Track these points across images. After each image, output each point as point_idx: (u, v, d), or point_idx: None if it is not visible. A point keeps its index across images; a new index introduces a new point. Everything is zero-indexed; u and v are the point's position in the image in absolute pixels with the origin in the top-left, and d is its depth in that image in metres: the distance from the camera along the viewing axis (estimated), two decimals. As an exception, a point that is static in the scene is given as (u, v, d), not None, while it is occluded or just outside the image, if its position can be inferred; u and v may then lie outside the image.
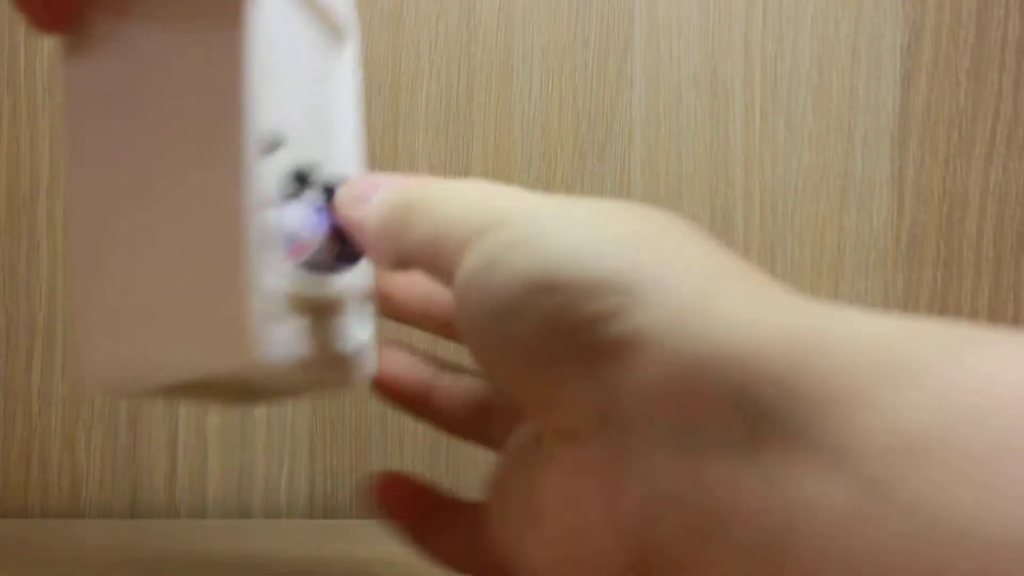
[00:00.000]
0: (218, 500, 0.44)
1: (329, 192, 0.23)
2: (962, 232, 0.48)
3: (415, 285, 0.26)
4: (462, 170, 0.45)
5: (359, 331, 0.26)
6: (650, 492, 0.16)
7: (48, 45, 0.44)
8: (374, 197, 0.21)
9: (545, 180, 0.46)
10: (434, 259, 0.19)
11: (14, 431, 0.43)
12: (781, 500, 0.14)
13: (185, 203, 0.21)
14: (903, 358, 0.14)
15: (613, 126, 0.46)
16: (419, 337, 0.27)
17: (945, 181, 0.48)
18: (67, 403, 0.44)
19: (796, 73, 0.47)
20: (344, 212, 0.22)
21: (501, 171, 0.45)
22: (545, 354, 0.17)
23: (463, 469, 0.44)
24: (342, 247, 0.23)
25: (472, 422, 0.26)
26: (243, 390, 0.24)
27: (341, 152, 0.26)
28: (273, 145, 0.22)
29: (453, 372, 0.26)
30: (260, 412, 0.44)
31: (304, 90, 0.24)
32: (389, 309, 0.26)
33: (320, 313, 0.24)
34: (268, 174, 0.21)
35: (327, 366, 0.24)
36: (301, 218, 0.22)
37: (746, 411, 0.15)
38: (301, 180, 0.23)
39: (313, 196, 0.23)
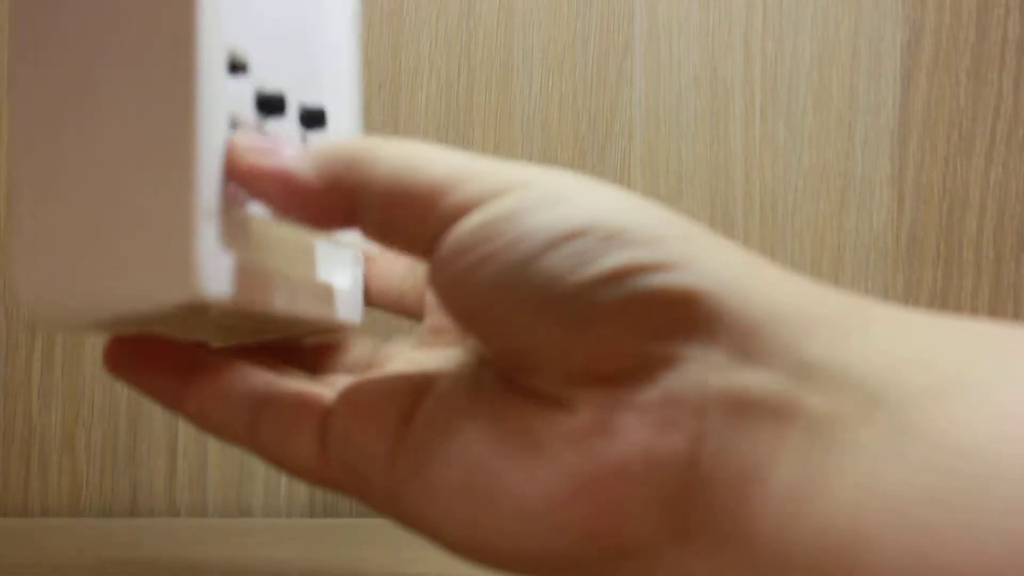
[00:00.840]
0: (218, 499, 0.44)
1: (308, 118, 0.22)
2: (962, 232, 0.48)
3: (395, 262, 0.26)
4: (462, 170, 0.45)
5: (335, 274, 0.24)
6: (703, 430, 0.16)
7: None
8: (287, 151, 0.20)
9: (545, 180, 0.46)
10: (407, 214, 0.18)
11: (14, 431, 0.43)
12: (824, 442, 0.15)
13: (131, 121, 0.19)
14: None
15: (613, 126, 0.46)
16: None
17: (945, 180, 0.48)
18: (67, 403, 0.44)
19: (796, 73, 0.47)
20: (251, 160, 0.19)
21: (501, 171, 0.45)
22: (589, 299, 0.17)
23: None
24: None
25: None
26: (212, 325, 0.22)
27: (332, 97, 0.25)
28: (235, 65, 0.20)
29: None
30: (260, 412, 0.44)
31: (287, 20, 0.23)
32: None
33: (280, 251, 0.22)
34: (226, 95, 0.20)
35: (294, 306, 0.22)
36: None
37: (798, 361, 0.16)
38: (268, 107, 0.21)
39: (283, 126, 0.22)
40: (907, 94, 0.48)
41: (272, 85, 0.22)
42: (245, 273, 0.20)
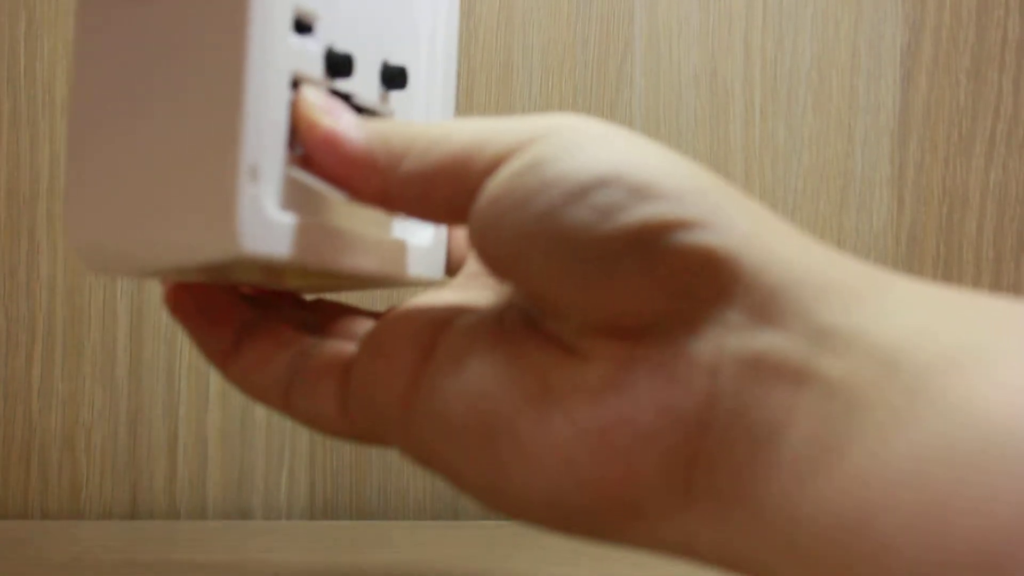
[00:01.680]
0: (218, 501, 0.44)
1: (389, 77, 0.21)
2: (962, 232, 0.48)
3: None
4: (462, 170, 0.45)
5: (415, 233, 0.24)
6: (717, 390, 0.16)
7: (48, 45, 0.44)
8: (346, 116, 0.20)
9: (545, 180, 0.46)
10: (453, 177, 0.19)
11: (14, 431, 0.43)
12: (838, 406, 0.15)
13: (189, 74, 0.19)
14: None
15: (613, 126, 0.46)
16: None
17: (945, 180, 0.48)
18: (67, 403, 0.44)
19: (796, 73, 0.47)
20: (310, 116, 0.20)
21: (501, 171, 0.45)
22: (612, 253, 0.17)
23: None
24: None
25: None
26: (281, 276, 0.22)
27: (426, 58, 0.24)
28: (301, 24, 0.20)
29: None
30: (260, 413, 0.44)
31: None
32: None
33: (353, 212, 0.22)
34: (289, 53, 0.20)
35: (363, 263, 0.22)
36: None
37: (816, 325, 0.16)
38: (336, 67, 0.21)
39: (363, 84, 0.21)
40: (907, 94, 0.48)
41: (349, 44, 0.22)
42: (305, 231, 0.20)
